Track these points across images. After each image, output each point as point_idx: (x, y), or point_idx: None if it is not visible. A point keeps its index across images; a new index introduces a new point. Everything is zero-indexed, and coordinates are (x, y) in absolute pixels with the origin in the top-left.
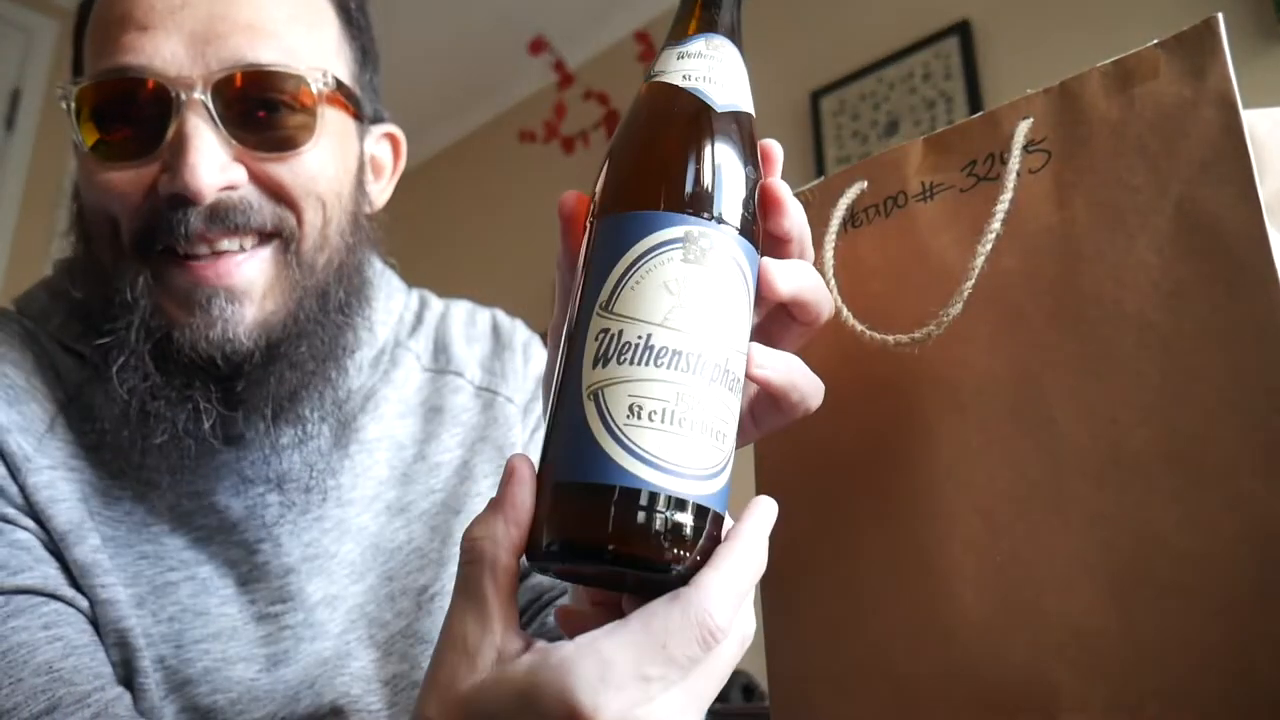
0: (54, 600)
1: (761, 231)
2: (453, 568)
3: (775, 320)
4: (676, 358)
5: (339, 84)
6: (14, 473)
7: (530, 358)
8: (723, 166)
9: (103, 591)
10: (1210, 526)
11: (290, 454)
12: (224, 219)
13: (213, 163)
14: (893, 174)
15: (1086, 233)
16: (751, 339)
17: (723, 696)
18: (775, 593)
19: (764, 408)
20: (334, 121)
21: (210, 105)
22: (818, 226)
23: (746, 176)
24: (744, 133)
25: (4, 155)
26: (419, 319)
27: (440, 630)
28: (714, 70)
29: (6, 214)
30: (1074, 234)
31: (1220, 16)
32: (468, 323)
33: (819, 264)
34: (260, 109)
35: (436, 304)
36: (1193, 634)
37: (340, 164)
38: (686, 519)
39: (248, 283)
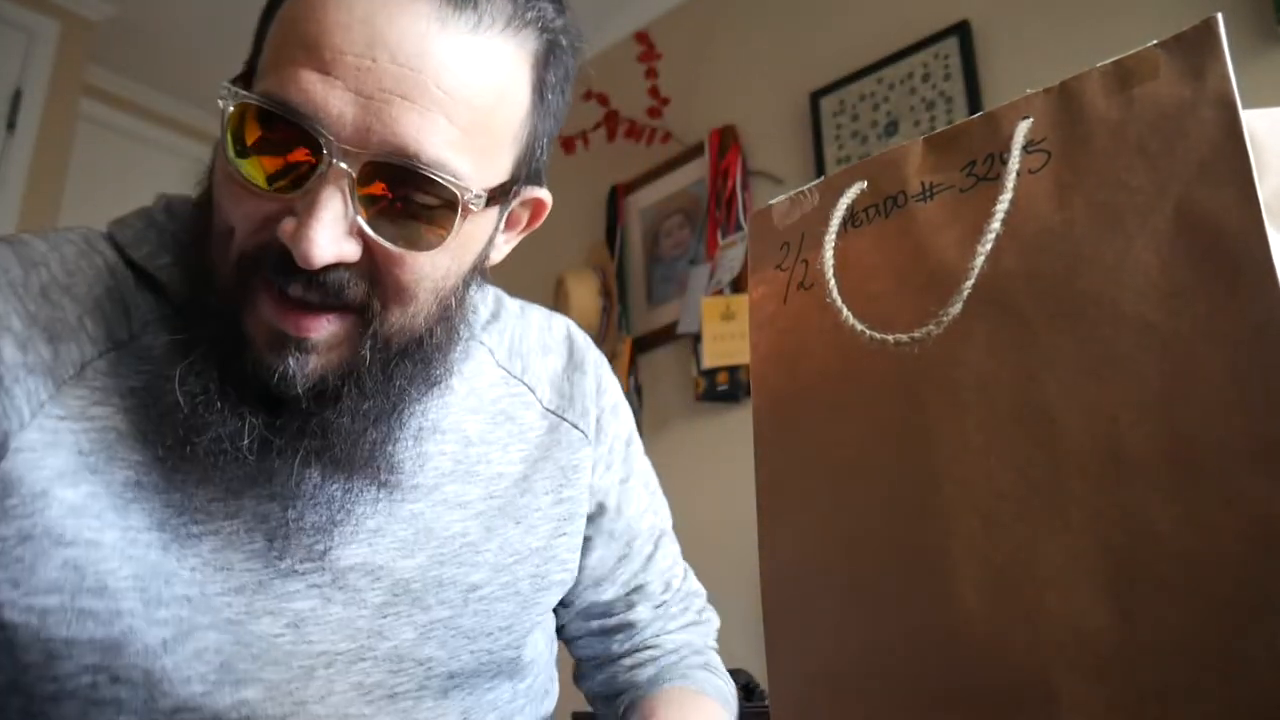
0: None
1: None
2: (506, 575)
3: None
4: None
5: (492, 194)
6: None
7: (603, 388)
8: None
9: (88, 532)
10: (1210, 526)
11: (328, 487)
12: (319, 290)
13: (332, 237)
14: (893, 174)
15: (1086, 233)
16: None
17: None
18: (775, 593)
19: None
20: (470, 225)
21: (353, 178)
22: (817, 226)
23: None
24: None
25: (4, 155)
26: (495, 315)
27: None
28: None
29: (6, 214)
30: (1074, 234)
31: (1220, 17)
32: (543, 328)
33: (819, 263)
34: (399, 202)
35: (512, 304)
36: (1192, 634)
37: (456, 260)
38: None
39: (320, 340)
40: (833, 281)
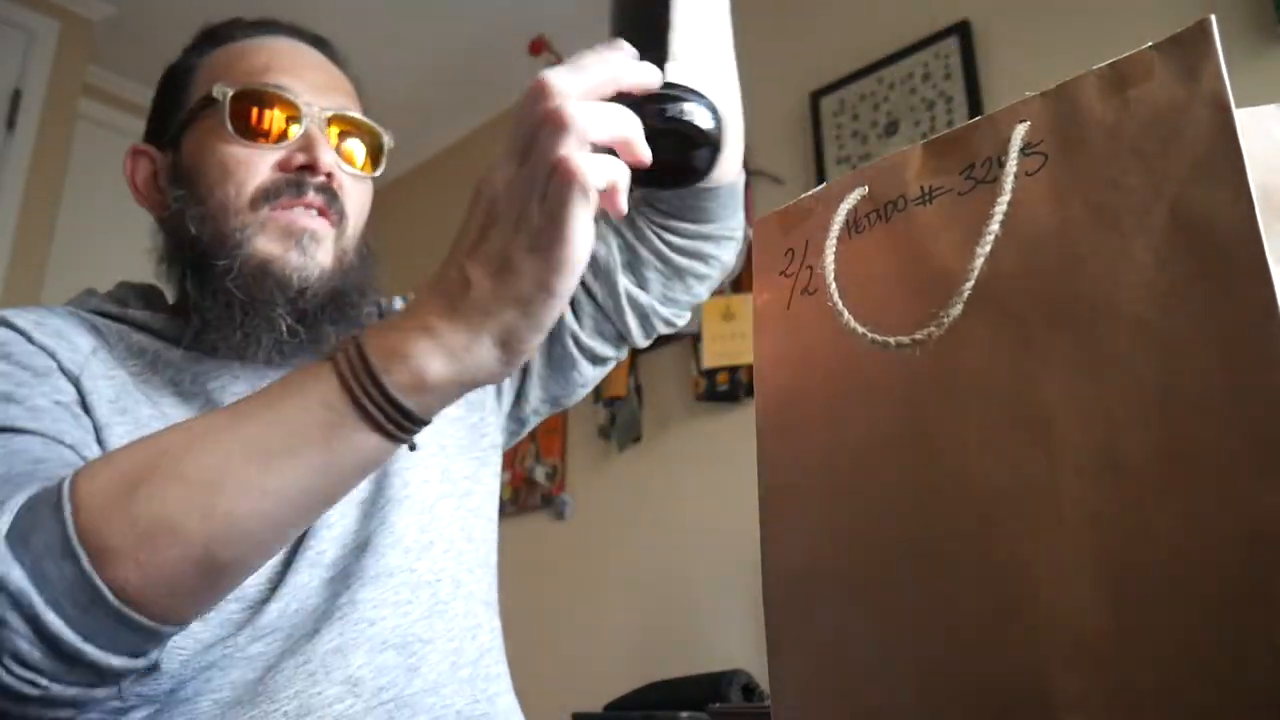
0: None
1: None
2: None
3: None
4: None
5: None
6: (69, 376)
7: None
8: None
9: None
10: (1206, 525)
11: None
12: (324, 193)
13: (331, 155)
14: (893, 179)
15: (1083, 234)
16: None
17: (723, 696)
18: (777, 594)
19: None
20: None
21: (326, 126)
22: (820, 233)
23: None
24: None
25: (4, 155)
26: (393, 306)
27: None
28: None
29: (6, 214)
30: (1071, 235)
31: (1213, 18)
32: None
33: (821, 269)
34: (352, 141)
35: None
36: (1189, 633)
37: (369, 200)
38: None
39: (323, 232)
40: (834, 287)
